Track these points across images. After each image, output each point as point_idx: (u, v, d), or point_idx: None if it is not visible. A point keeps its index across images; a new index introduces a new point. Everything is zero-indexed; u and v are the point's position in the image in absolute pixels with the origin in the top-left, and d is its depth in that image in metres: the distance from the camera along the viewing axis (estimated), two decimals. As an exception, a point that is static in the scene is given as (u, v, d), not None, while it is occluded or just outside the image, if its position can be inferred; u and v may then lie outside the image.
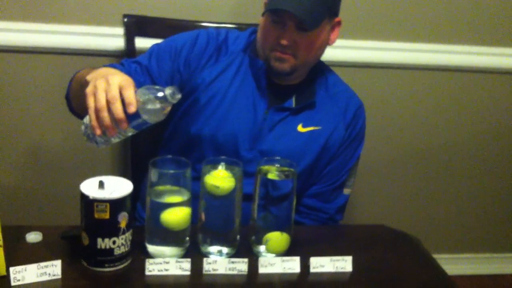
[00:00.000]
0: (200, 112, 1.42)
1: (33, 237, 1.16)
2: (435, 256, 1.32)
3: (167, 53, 1.44)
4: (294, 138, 1.43)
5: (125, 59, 1.49)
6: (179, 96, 1.06)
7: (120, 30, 1.82)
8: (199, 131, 1.42)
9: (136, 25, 1.78)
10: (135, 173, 1.77)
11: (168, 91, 1.05)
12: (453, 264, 2.31)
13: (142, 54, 1.47)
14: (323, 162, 1.47)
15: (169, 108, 1.07)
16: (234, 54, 1.45)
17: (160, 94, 1.05)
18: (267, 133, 1.42)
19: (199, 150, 1.43)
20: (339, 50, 1.92)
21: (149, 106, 1.05)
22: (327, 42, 1.43)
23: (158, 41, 1.51)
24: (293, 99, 1.45)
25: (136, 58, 1.46)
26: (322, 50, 1.44)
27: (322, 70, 1.51)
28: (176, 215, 1.12)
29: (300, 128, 1.44)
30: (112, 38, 1.83)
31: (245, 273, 1.13)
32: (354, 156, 1.51)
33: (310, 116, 1.45)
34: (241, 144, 1.41)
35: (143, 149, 1.75)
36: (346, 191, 1.52)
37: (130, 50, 1.78)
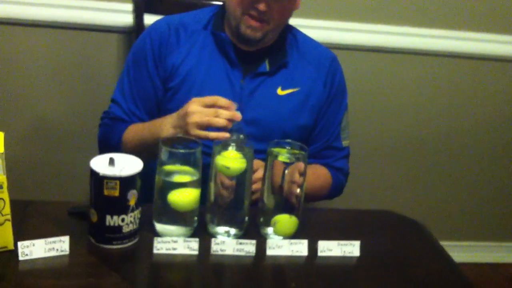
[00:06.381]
0: (176, 95, 1.43)
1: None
2: (437, 242, 1.32)
3: (139, 68, 1.45)
4: (276, 102, 1.44)
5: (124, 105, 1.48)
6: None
7: (129, 6, 1.80)
8: None
9: (145, 2, 1.77)
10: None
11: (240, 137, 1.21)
12: (454, 252, 2.30)
13: (121, 95, 1.47)
14: (310, 122, 1.48)
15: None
16: (195, 33, 1.45)
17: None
18: (247, 101, 1.42)
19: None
20: (339, 33, 1.91)
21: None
22: (296, 7, 1.42)
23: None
24: (266, 63, 1.44)
25: (122, 104, 1.47)
26: (291, 14, 1.43)
27: (290, 30, 1.50)
28: (184, 197, 1.12)
29: (279, 92, 1.44)
30: (121, 14, 1.82)
31: (253, 254, 1.13)
32: (341, 108, 1.52)
33: (287, 78, 1.45)
34: None
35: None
36: (345, 143, 1.54)
37: (138, 27, 1.77)
